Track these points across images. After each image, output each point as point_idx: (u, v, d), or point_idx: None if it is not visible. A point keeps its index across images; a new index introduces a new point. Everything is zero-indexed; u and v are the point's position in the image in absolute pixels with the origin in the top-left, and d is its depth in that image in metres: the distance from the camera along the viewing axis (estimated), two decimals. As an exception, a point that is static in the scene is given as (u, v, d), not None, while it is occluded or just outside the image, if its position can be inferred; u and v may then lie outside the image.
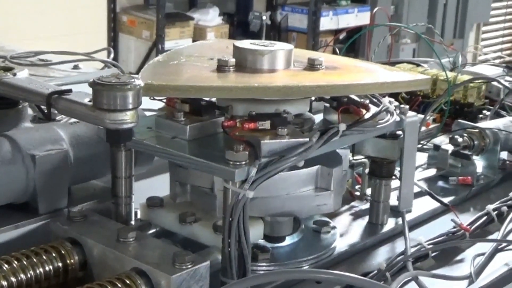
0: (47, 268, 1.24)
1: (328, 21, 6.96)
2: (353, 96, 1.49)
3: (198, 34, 6.27)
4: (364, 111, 1.45)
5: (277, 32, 6.86)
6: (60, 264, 1.25)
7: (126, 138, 1.25)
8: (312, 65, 1.47)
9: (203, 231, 1.38)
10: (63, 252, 1.26)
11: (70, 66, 2.50)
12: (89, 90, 1.26)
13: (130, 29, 6.14)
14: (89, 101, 1.25)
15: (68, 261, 1.26)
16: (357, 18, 7.05)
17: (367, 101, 1.50)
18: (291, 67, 1.47)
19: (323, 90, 1.43)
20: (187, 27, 6.24)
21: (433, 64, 2.47)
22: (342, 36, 5.97)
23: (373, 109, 1.48)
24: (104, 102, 1.20)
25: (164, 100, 1.47)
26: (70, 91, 1.32)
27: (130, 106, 1.21)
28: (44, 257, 1.24)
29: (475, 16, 8.30)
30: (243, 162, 1.25)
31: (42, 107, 1.35)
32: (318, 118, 1.50)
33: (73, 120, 1.53)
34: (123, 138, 1.24)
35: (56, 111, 1.37)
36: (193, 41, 6.22)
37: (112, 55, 2.57)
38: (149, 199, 1.47)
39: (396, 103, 1.54)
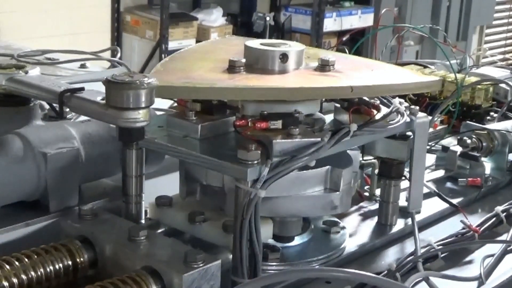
0: (57, 266, 1.24)
1: (331, 22, 6.96)
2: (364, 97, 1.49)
3: (202, 34, 6.27)
4: (375, 111, 1.46)
5: (280, 33, 6.86)
6: (70, 262, 1.25)
7: (139, 136, 1.25)
8: (323, 66, 1.47)
9: (213, 230, 1.38)
10: (73, 250, 1.26)
11: (76, 65, 2.50)
12: (98, 88, 1.26)
13: (133, 28, 6.14)
14: (102, 100, 1.25)
15: (78, 259, 1.26)
16: (361, 19, 7.05)
17: (378, 102, 1.50)
18: (301, 67, 1.47)
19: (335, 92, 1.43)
20: (190, 27, 6.24)
21: (440, 65, 2.47)
22: (345, 38, 5.97)
23: (384, 110, 1.48)
24: (118, 100, 1.20)
25: (175, 99, 1.47)
26: (82, 89, 1.32)
27: (143, 105, 1.21)
28: (54, 255, 1.24)
29: (479, 18, 8.30)
30: (255, 161, 1.25)
31: (54, 105, 1.35)
32: (328, 118, 1.50)
33: (84, 118, 1.53)
34: (136, 137, 1.25)
35: (67, 109, 1.38)
36: (197, 41, 6.22)
37: (119, 54, 2.57)
38: (158, 198, 1.47)
39: (407, 104, 1.54)
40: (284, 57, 1.44)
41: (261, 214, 1.30)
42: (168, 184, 1.55)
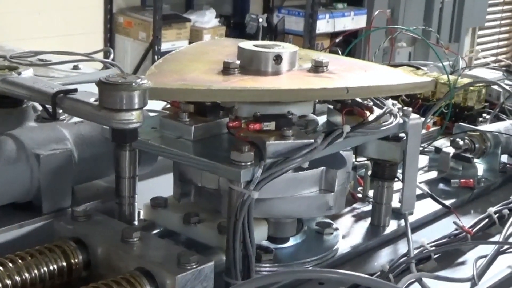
0: (51, 267, 1.24)
1: (324, 24, 6.96)
2: (357, 98, 1.49)
3: (195, 35, 6.26)
4: (368, 113, 1.46)
5: (273, 34, 6.85)
6: (64, 264, 1.25)
7: (132, 138, 1.25)
8: (317, 67, 1.47)
9: (208, 232, 1.38)
10: (67, 251, 1.26)
11: (69, 67, 2.50)
12: (91, 90, 1.26)
13: (126, 30, 6.13)
14: (95, 101, 1.25)
15: (72, 261, 1.26)
16: (354, 21, 7.05)
17: (371, 103, 1.50)
18: (295, 69, 1.47)
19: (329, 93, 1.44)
20: (183, 28, 6.23)
21: (432, 67, 2.47)
22: (338, 39, 5.97)
23: (377, 111, 1.48)
24: (111, 101, 1.20)
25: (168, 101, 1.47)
26: (75, 90, 1.32)
27: (136, 106, 1.21)
28: (48, 256, 1.24)
29: (471, 20, 8.31)
30: (249, 163, 1.25)
31: (47, 106, 1.35)
32: (321, 120, 1.50)
33: (77, 119, 1.53)
34: (129, 138, 1.25)
35: (60, 111, 1.37)
36: (190, 43, 6.21)
37: (112, 56, 2.57)
38: (153, 199, 1.47)
39: (399, 105, 1.54)
40: (278, 58, 1.44)
41: (256, 215, 1.31)
42: (162, 185, 1.55)
